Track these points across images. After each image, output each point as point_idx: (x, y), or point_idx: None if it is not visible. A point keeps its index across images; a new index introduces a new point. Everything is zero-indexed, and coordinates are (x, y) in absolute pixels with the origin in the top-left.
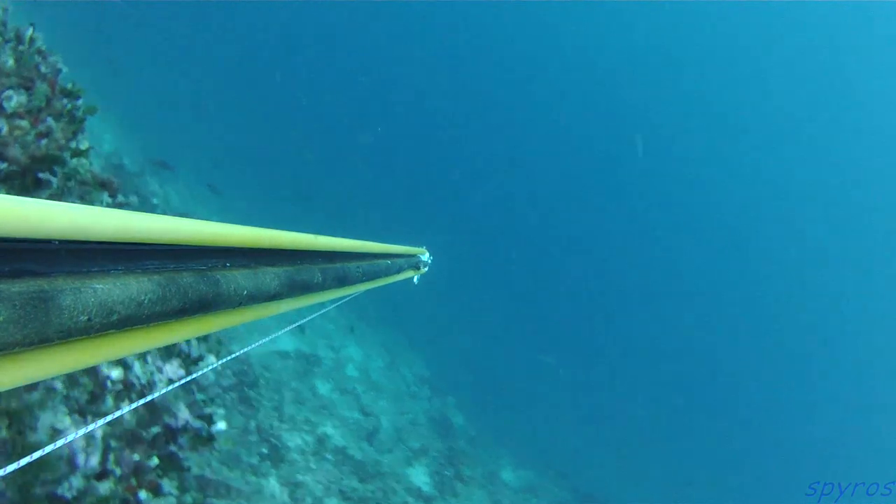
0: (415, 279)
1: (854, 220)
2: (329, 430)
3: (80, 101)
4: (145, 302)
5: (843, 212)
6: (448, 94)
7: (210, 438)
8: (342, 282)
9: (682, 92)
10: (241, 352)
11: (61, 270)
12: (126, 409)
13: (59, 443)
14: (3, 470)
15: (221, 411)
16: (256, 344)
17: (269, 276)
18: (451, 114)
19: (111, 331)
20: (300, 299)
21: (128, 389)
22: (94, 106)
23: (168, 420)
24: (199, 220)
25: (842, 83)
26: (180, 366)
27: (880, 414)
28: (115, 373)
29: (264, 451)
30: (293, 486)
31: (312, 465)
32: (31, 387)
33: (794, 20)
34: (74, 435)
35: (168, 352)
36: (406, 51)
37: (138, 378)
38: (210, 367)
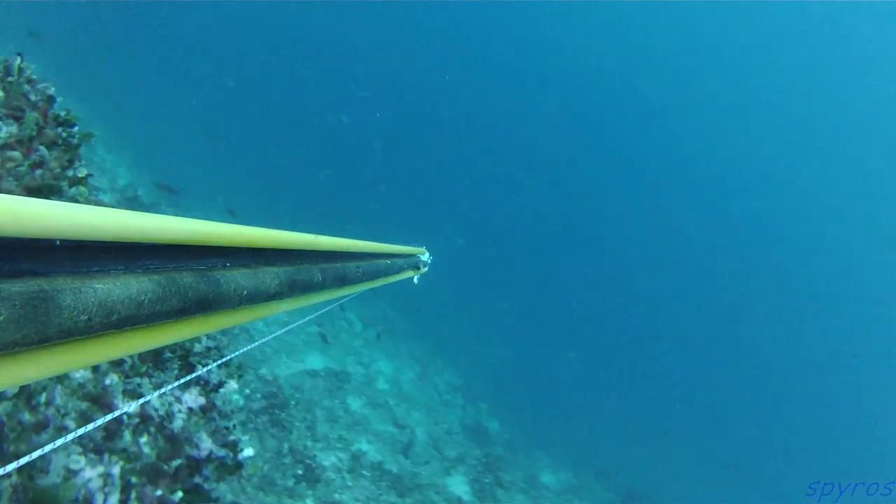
0: (415, 279)
1: (859, 227)
2: (364, 445)
3: (75, 129)
4: (145, 302)
5: (854, 216)
6: (464, 97)
7: (237, 466)
8: (342, 282)
9: (690, 87)
10: (233, 355)
11: (61, 270)
12: (102, 420)
13: (59, 442)
14: (2, 469)
15: (247, 437)
16: (252, 346)
17: (269, 276)
18: (473, 118)
19: (111, 331)
20: (300, 299)
21: (145, 423)
22: (90, 132)
23: (190, 451)
24: (198, 220)
25: (855, 78)
26: (200, 394)
27: (880, 414)
28: (131, 407)
29: (299, 472)
30: None
31: (349, 483)
32: (40, 427)
33: (800, 17)
34: (74, 434)
35: (186, 381)
36: (412, 52)
37: (156, 410)
38: (197, 374)
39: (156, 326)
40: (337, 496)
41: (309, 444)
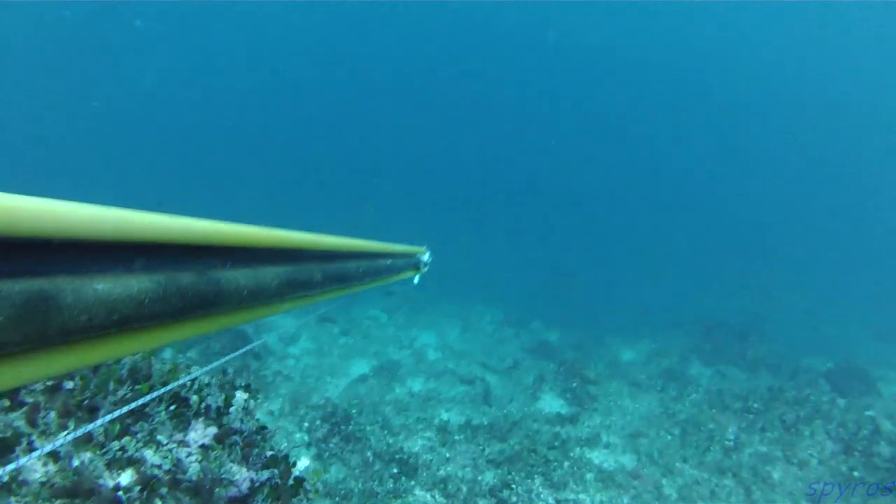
0: (415, 279)
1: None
2: (444, 415)
3: None
4: (145, 302)
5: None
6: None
7: (298, 483)
8: (342, 281)
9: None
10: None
11: (61, 270)
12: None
13: (61, 441)
14: (2, 469)
15: (322, 465)
16: (241, 351)
17: (270, 276)
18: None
19: (111, 330)
20: (300, 299)
21: (150, 488)
22: None
23: (227, 492)
24: (199, 220)
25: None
26: (206, 424)
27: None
28: (125, 478)
29: (395, 470)
30: (441, 485)
31: (447, 455)
32: None
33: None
34: (65, 438)
35: (180, 417)
36: (409, 50)
37: (159, 466)
38: (180, 382)
39: (156, 326)
40: (442, 472)
41: (390, 440)
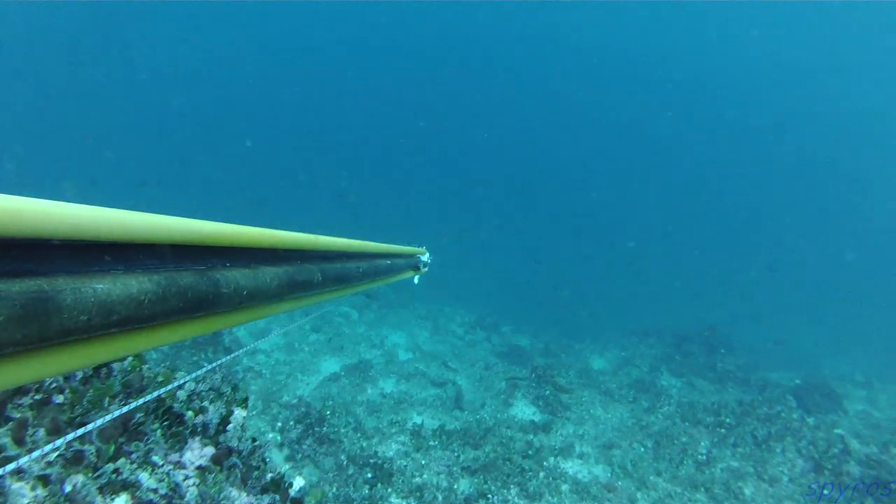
0: (415, 279)
1: None
2: (417, 418)
3: None
4: (145, 302)
5: None
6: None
7: (296, 503)
8: (342, 282)
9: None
10: (209, 367)
11: (61, 270)
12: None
13: (59, 442)
14: (2, 469)
15: (292, 468)
16: (232, 357)
17: (269, 276)
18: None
19: (112, 330)
20: (300, 299)
21: None
22: None
23: None
24: (198, 220)
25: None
26: (203, 443)
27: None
28: (119, 502)
29: (369, 475)
30: (417, 492)
31: (423, 461)
32: None
33: None
34: (64, 439)
35: (177, 437)
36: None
37: (155, 490)
38: (177, 383)
39: (156, 326)
40: (417, 479)
41: (364, 444)
